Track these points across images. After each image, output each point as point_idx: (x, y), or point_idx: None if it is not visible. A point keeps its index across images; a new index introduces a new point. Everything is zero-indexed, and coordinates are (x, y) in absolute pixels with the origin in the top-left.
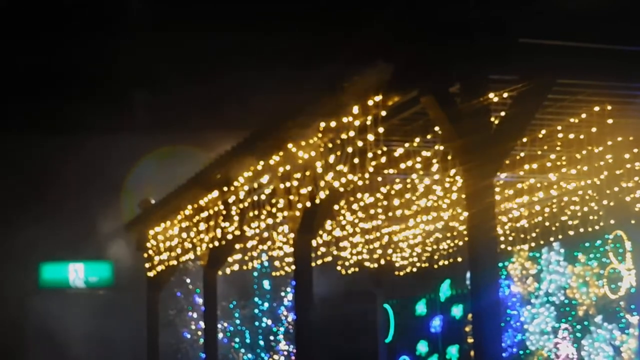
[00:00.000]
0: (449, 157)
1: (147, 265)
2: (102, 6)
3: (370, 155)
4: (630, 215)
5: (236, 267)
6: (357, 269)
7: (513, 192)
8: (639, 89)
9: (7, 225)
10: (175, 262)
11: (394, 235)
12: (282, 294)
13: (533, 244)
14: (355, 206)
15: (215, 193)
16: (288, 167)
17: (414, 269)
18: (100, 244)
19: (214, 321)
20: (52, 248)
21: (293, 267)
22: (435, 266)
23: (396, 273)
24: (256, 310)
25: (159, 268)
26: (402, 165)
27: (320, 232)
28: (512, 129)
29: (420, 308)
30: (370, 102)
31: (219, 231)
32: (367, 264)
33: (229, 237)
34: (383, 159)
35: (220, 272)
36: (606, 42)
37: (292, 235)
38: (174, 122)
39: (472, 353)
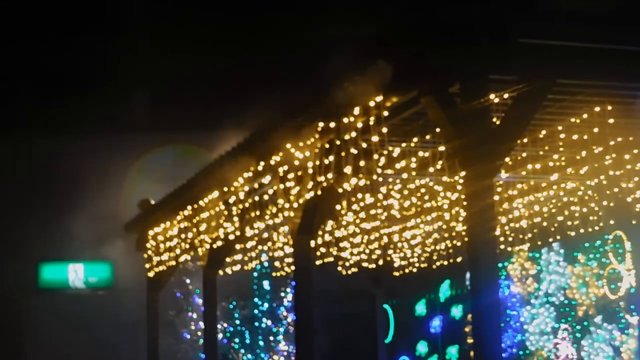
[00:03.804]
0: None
1: (146, 265)
2: (102, 6)
3: (370, 155)
4: (630, 216)
5: (236, 267)
6: (357, 269)
7: (513, 192)
8: (639, 89)
9: (7, 225)
10: (174, 263)
11: (393, 235)
12: (282, 294)
13: (533, 245)
14: (355, 206)
15: (215, 193)
16: (287, 168)
17: (414, 269)
18: (100, 244)
19: (213, 321)
20: (52, 248)
21: (293, 267)
22: (434, 266)
23: (396, 273)
24: (256, 311)
25: (159, 268)
26: (401, 166)
27: (320, 232)
28: (512, 130)
29: (420, 308)
30: (370, 103)
31: (219, 231)
32: (366, 264)
33: (229, 237)
34: (382, 159)
35: (220, 273)
36: (606, 42)
37: (291, 235)
38: (174, 122)
39: (471, 353)
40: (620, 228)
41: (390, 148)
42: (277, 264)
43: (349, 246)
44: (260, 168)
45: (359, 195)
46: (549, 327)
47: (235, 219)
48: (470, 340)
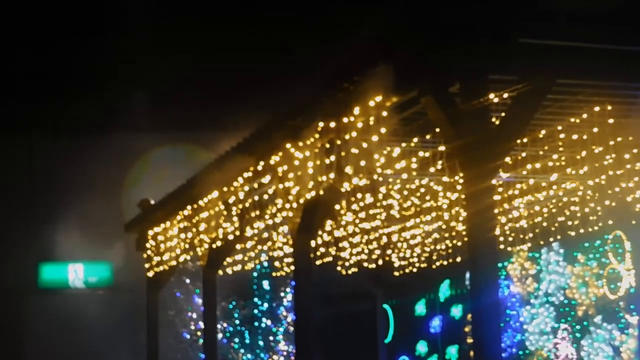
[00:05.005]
0: (453, 158)
1: (146, 265)
2: (102, 6)
3: (370, 155)
4: (630, 216)
5: (236, 267)
6: (357, 269)
7: (513, 192)
8: (639, 89)
9: (7, 225)
10: (174, 263)
11: (393, 235)
12: (282, 294)
13: (532, 244)
14: (354, 206)
15: (215, 193)
16: (287, 168)
17: (414, 269)
18: (100, 244)
19: (213, 321)
20: (51, 248)
21: (293, 267)
22: (433, 266)
23: (396, 273)
24: (256, 311)
25: (159, 268)
26: (401, 166)
27: (320, 232)
28: (512, 129)
29: (420, 308)
30: (370, 103)
31: (218, 231)
32: (366, 264)
33: (229, 237)
34: (382, 159)
35: (220, 272)
36: (606, 42)
37: (291, 235)
38: (174, 122)
39: (471, 353)
40: (620, 228)
41: (390, 148)
42: (277, 264)
43: (348, 246)
44: (260, 168)
45: (359, 195)
46: (549, 327)
47: (235, 219)
48: (470, 340)
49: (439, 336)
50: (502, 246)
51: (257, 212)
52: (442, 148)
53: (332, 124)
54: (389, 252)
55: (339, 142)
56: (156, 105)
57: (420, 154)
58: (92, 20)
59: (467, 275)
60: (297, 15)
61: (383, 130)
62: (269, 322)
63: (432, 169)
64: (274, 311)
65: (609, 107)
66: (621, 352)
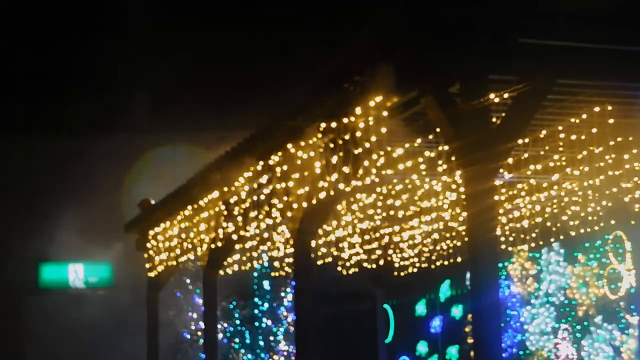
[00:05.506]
0: (453, 158)
1: (147, 265)
2: (102, 6)
3: (370, 156)
4: (630, 216)
5: (236, 267)
6: (357, 269)
7: (514, 192)
8: (639, 89)
9: (7, 225)
10: (175, 263)
11: (394, 235)
12: (282, 294)
13: (533, 245)
14: (355, 207)
15: (215, 193)
16: (288, 168)
17: (414, 270)
18: (100, 244)
19: (213, 321)
20: (51, 248)
21: (293, 267)
22: (433, 266)
23: (396, 273)
24: (256, 311)
25: (159, 268)
26: (402, 166)
27: (320, 232)
28: (512, 130)
29: (420, 308)
30: (370, 103)
31: (219, 231)
32: (367, 264)
33: (229, 237)
34: (382, 160)
35: (221, 273)
36: (606, 42)
37: (292, 235)
38: (174, 122)
39: (472, 353)
40: (621, 228)
41: (391, 148)
42: (277, 264)
43: (348, 246)
44: (260, 168)
45: (359, 196)
46: (549, 327)
47: (236, 219)
48: (470, 340)
49: (439, 336)
50: (502, 246)
51: (258, 213)
52: (442, 148)
53: (333, 124)
54: (389, 252)
55: (340, 142)
56: (156, 105)
57: (427, 154)
58: (92, 20)
59: (468, 275)
60: (297, 15)
61: (383, 130)
62: (269, 322)
63: (432, 169)
64: (275, 311)
65: (609, 107)
66: (621, 353)
